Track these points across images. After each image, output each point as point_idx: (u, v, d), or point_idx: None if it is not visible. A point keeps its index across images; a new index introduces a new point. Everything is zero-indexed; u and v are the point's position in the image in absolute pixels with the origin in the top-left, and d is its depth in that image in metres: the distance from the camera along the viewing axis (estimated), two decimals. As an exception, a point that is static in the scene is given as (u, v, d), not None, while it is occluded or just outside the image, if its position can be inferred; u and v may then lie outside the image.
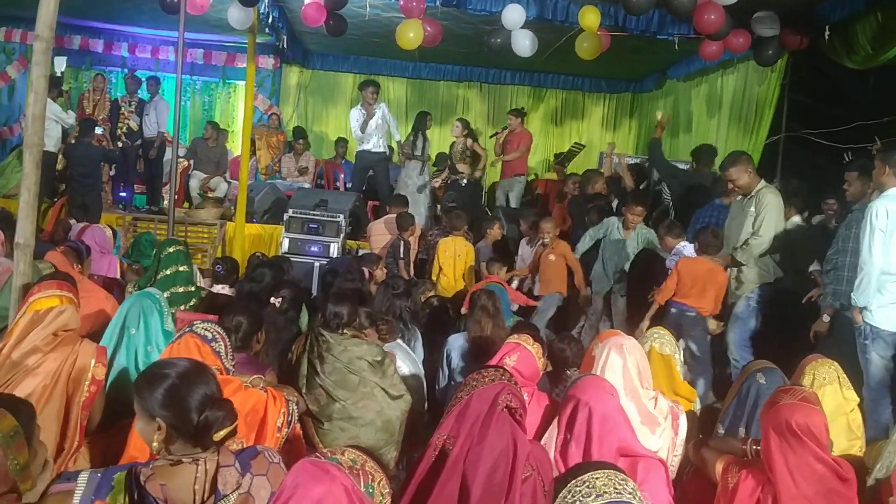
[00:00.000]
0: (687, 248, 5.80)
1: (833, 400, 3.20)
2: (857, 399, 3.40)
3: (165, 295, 3.92)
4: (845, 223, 4.77)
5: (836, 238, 4.80)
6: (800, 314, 5.14)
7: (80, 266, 4.83)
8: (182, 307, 4.58)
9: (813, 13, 7.19)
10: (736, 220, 5.57)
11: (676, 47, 7.99)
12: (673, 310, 5.37)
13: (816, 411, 2.48)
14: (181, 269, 4.79)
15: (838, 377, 3.30)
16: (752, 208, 5.35)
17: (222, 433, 2.01)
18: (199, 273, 6.00)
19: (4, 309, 3.68)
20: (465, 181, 9.48)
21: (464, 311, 5.21)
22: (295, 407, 3.22)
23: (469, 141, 9.47)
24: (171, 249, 4.91)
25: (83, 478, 1.97)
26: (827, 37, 7.07)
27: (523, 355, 3.32)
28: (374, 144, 9.32)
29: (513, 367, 3.23)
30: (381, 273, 6.13)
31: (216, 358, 2.95)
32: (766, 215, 5.25)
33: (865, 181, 4.91)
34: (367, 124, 9.21)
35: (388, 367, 3.69)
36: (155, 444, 2.00)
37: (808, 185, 6.54)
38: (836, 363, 3.36)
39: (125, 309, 3.47)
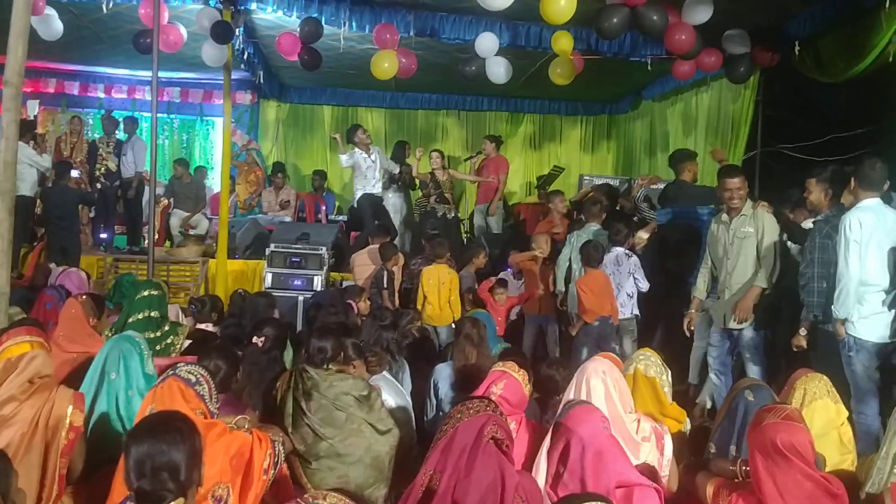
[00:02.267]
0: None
1: (824, 414, 3.19)
2: (847, 412, 3.39)
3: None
4: (810, 235, 4.75)
5: (804, 251, 4.78)
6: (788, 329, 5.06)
7: (96, 320, 4.60)
8: (157, 347, 4.50)
9: (782, 30, 7.30)
10: (721, 241, 5.20)
11: (649, 68, 8.09)
12: (596, 322, 5.79)
13: (800, 428, 2.47)
14: (153, 314, 4.70)
15: (828, 391, 3.29)
16: (751, 228, 5.04)
17: None
18: (181, 313, 5.95)
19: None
20: (442, 213, 9.45)
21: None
22: (281, 448, 3.17)
23: (446, 173, 9.52)
24: (144, 293, 4.81)
25: None
26: (797, 53, 7.18)
27: (509, 383, 3.29)
28: (377, 188, 9.21)
29: (499, 395, 3.21)
30: (364, 305, 6.10)
31: (200, 401, 2.90)
32: (771, 235, 5.01)
33: (825, 188, 4.88)
34: (367, 167, 9.09)
35: (375, 401, 3.64)
36: None
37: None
38: (825, 377, 3.35)
39: (104, 353, 3.41)
